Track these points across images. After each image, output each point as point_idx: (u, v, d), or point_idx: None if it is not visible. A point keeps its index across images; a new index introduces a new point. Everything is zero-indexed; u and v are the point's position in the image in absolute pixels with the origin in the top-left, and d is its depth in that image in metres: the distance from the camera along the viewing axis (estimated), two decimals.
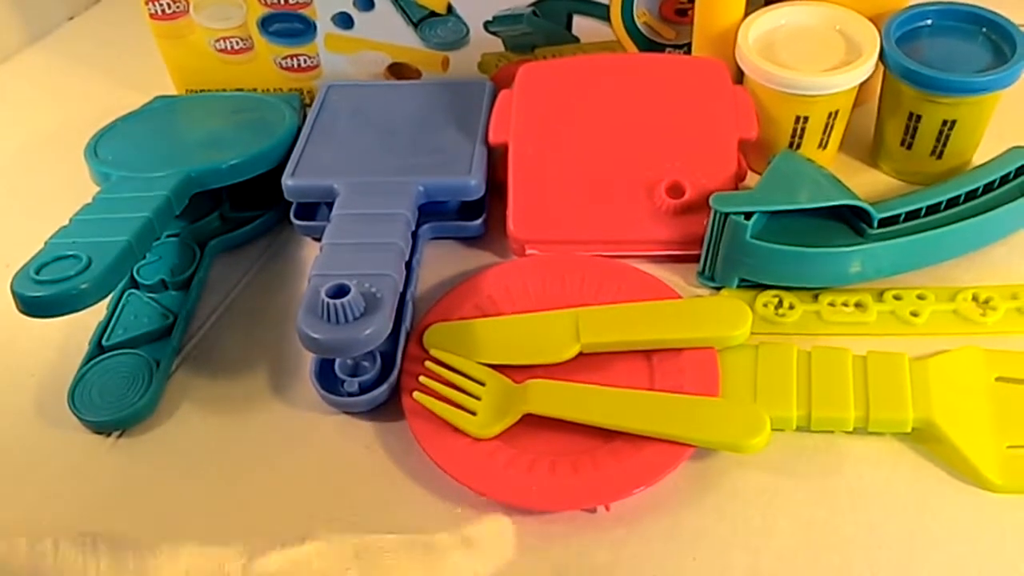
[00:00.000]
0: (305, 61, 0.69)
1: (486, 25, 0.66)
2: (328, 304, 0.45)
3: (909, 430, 0.45)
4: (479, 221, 0.58)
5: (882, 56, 0.55)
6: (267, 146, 0.59)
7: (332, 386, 0.49)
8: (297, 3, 0.65)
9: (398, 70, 0.69)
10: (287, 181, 0.57)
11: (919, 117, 0.56)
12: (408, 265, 0.53)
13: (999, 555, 0.41)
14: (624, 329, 0.50)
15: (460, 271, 0.57)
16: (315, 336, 0.45)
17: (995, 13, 0.56)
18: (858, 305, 0.52)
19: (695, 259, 0.55)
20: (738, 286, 0.54)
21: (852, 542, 0.42)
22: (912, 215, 0.53)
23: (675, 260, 0.56)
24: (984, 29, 0.56)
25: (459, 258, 0.58)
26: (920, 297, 0.52)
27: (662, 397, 0.47)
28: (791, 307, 0.52)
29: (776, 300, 0.53)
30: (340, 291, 0.46)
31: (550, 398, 0.47)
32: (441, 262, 0.58)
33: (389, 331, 0.46)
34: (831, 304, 0.52)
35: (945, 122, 0.55)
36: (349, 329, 0.45)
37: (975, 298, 0.51)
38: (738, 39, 0.57)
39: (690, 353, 0.49)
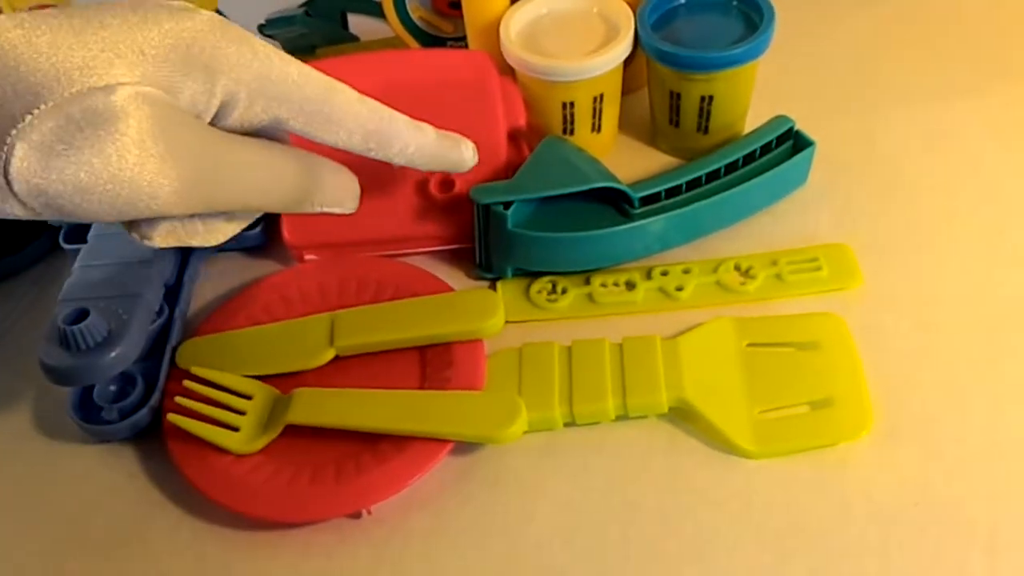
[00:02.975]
0: None
1: (260, 28, 0.65)
2: (65, 331, 0.43)
3: (666, 411, 0.46)
4: (257, 230, 0.57)
5: (639, 39, 0.56)
6: None
7: (95, 415, 0.48)
8: None
9: None
10: None
11: (679, 95, 0.57)
12: (179, 281, 0.52)
13: (746, 518, 0.43)
14: (379, 329, 0.49)
15: (242, 283, 0.56)
16: (53, 364, 0.43)
17: None
18: (628, 284, 0.53)
19: None
20: (514, 274, 0.54)
21: (608, 520, 0.43)
22: (673, 191, 0.54)
23: (457, 254, 0.56)
24: (735, 2, 0.57)
25: (241, 270, 0.57)
26: (685, 271, 0.53)
27: (420, 395, 0.47)
28: (564, 291, 0.53)
29: (550, 286, 0.53)
30: (79, 316, 0.44)
31: (312, 406, 0.46)
32: (223, 276, 0.57)
33: (138, 354, 0.45)
34: (603, 285, 0.53)
35: (703, 98, 0.56)
36: (90, 355, 0.44)
37: (737, 268, 0.53)
38: (500, 30, 0.57)
39: (458, 348, 0.49)
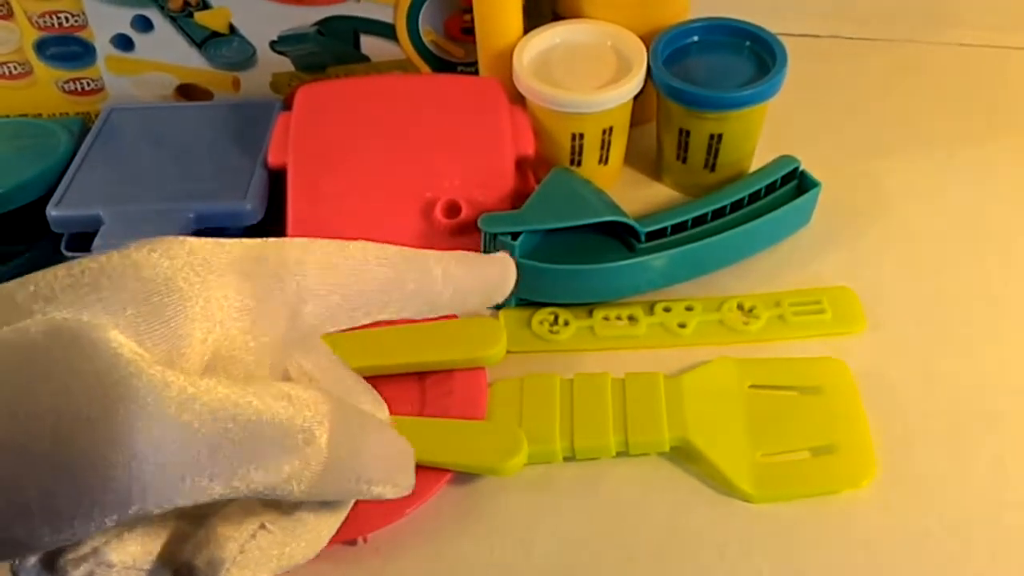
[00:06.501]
0: (88, 84, 0.67)
1: (272, 45, 0.65)
2: None
3: (667, 449, 0.46)
4: None
5: (650, 74, 0.56)
6: (33, 174, 0.57)
7: None
8: (72, 26, 0.63)
9: (188, 91, 0.68)
10: (51, 211, 0.55)
11: (688, 132, 0.57)
12: None
13: (744, 561, 0.42)
14: (380, 353, 0.49)
15: None
16: None
17: (757, 26, 0.57)
18: (631, 318, 0.52)
19: None
20: (517, 304, 0.54)
21: (605, 558, 0.43)
22: (679, 227, 0.54)
23: None
24: (748, 43, 0.58)
25: None
26: (688, 308, 0.53)
27: (421, 422, 0.46)
28: (566, 323, 0.52)
29: (552, 317, 0.53)
30: None
31: None
32: None
33: None
34: (605, 318, 0.53)
35: (712, 136, 0.56)
36: None
37: (740, 307, 0.53)
38: (513, 59, 0.57)
39: (459, 375, 0.49)
